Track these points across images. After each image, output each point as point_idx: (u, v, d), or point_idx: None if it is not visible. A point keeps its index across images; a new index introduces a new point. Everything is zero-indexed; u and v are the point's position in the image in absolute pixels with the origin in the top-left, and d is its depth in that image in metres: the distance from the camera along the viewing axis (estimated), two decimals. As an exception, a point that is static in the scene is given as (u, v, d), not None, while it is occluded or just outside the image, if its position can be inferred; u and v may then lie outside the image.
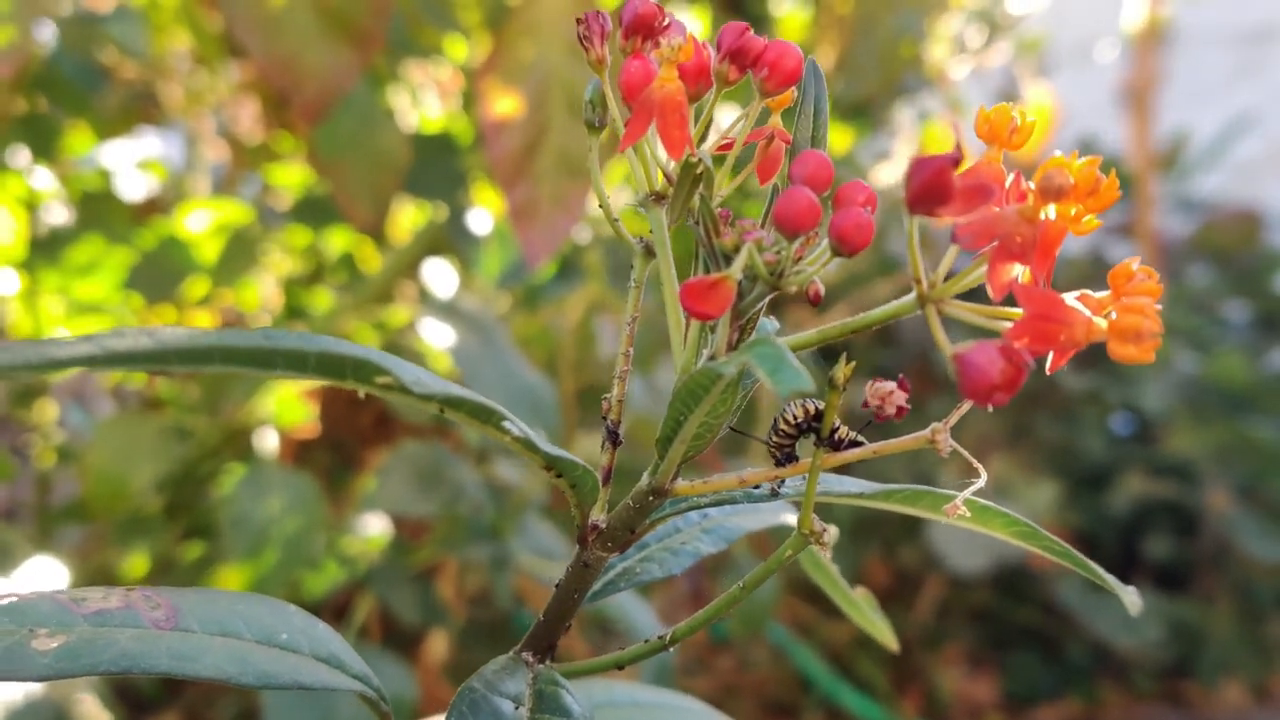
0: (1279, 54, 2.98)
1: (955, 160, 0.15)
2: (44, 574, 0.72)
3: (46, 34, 0.91)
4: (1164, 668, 1.83)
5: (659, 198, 0.19)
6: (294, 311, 1.07)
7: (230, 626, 0.22)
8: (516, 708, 0.20)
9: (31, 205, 0.95)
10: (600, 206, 0.22)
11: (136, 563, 0.92)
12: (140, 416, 0.89)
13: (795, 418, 0.20)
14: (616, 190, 1.36)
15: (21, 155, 0.90)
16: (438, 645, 1.04)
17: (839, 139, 1.23)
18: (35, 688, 0.69)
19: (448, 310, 0.82)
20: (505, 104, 0.79)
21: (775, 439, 0.20)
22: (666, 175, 0.19)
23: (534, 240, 0.80)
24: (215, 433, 0.93)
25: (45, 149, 0.89)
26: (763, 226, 0.18)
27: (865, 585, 1.37)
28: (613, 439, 0.22)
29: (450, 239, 0.86)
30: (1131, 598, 0.24)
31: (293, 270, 1.06)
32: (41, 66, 0.90)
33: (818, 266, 0.18)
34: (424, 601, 0.88)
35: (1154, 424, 1.84)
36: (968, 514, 0.21)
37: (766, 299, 0.19)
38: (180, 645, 0.21)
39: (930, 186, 0.15)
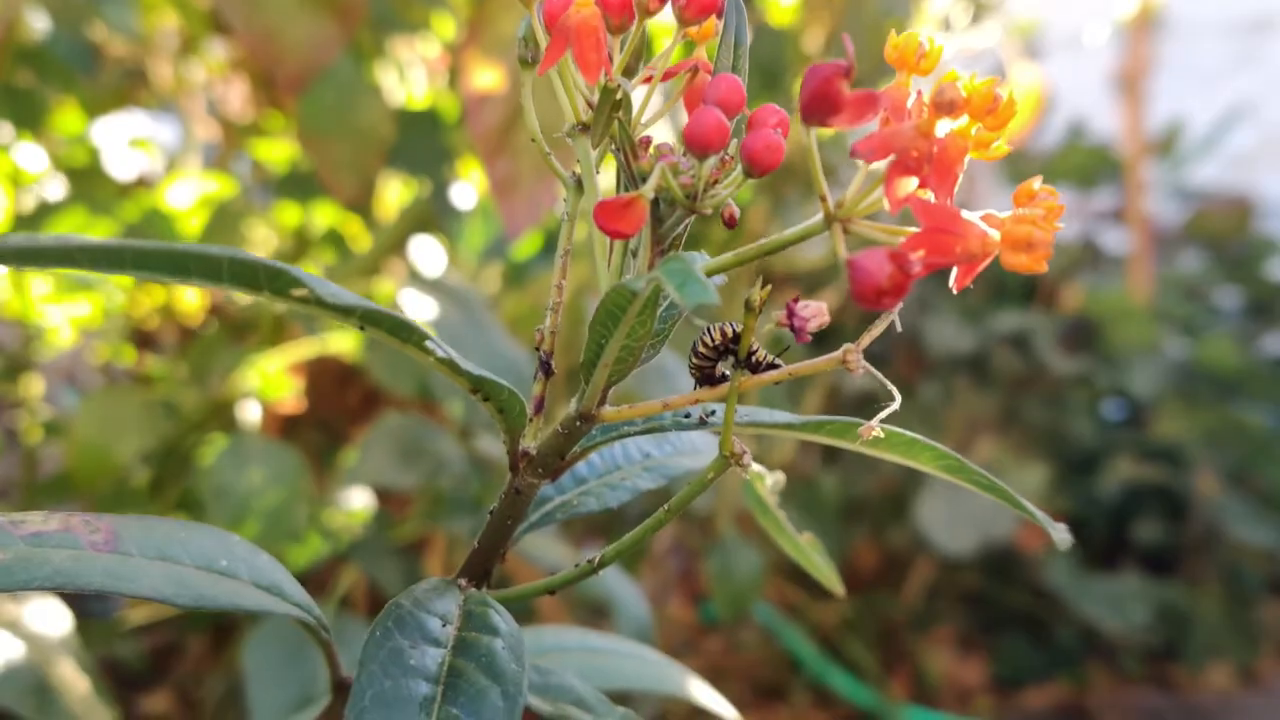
0: (1276, 44, 2.98)
1: (845, 70, 0.15)
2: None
3: (34, 10, 0.91)
4: (1151, 651, 1.84)
5: (584, 128, 0.20)
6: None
7: (169, 552, 0.23)
8: (444, 625, 0.20)
9: (17, 181, 0.95)
10: (533, 141, 0.23)
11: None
12: (125, 390, 0.89)
13: (713, 340, 0.20)
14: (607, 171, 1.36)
15: (5, 130, 0.90)
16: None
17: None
18: (15, 655, 0.70)
19: (432, 285, 0.83)
20: (486, 78, 0.79)
21: (695, 361, 0.20)
22: (589, 103, 0.19)
23: (515, 213, 0.80)
24: (200, 406, 0.94)
25: (30, 123, 0.89)
26: (684, 155, 0.19)
27: (854, 568, 1.38)
28: (545, 369, 0.22)
29: (435, 213, 0.87)
30: (1060, 534, 0.25)
31: (279, 247, 1.06)
32: (29, 42, 0.90)
33: (732, 189, 0.18)
34: (409, 575, 0.88)
35: (1144, 408, 1.85)
36: (881, 435, 0.21)
37: (686, 223, 0.19)
38: (117, 566, 0.21)
39: (820, 95, 0.15)
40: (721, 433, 0.20)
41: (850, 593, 1.85)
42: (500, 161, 0.80)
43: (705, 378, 0.20)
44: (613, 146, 0.19)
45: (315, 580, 1.11)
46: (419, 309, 0.79)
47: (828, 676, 1.66)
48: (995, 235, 0.16)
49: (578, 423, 0.21)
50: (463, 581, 0.22)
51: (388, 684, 0.19)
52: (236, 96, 1.42)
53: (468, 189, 0.92)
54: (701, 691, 0.34)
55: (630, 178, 0.19)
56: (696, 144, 0.17)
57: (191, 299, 1.41)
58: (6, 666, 0.69)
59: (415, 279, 0.83)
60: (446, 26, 1.06)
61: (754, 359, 0.20)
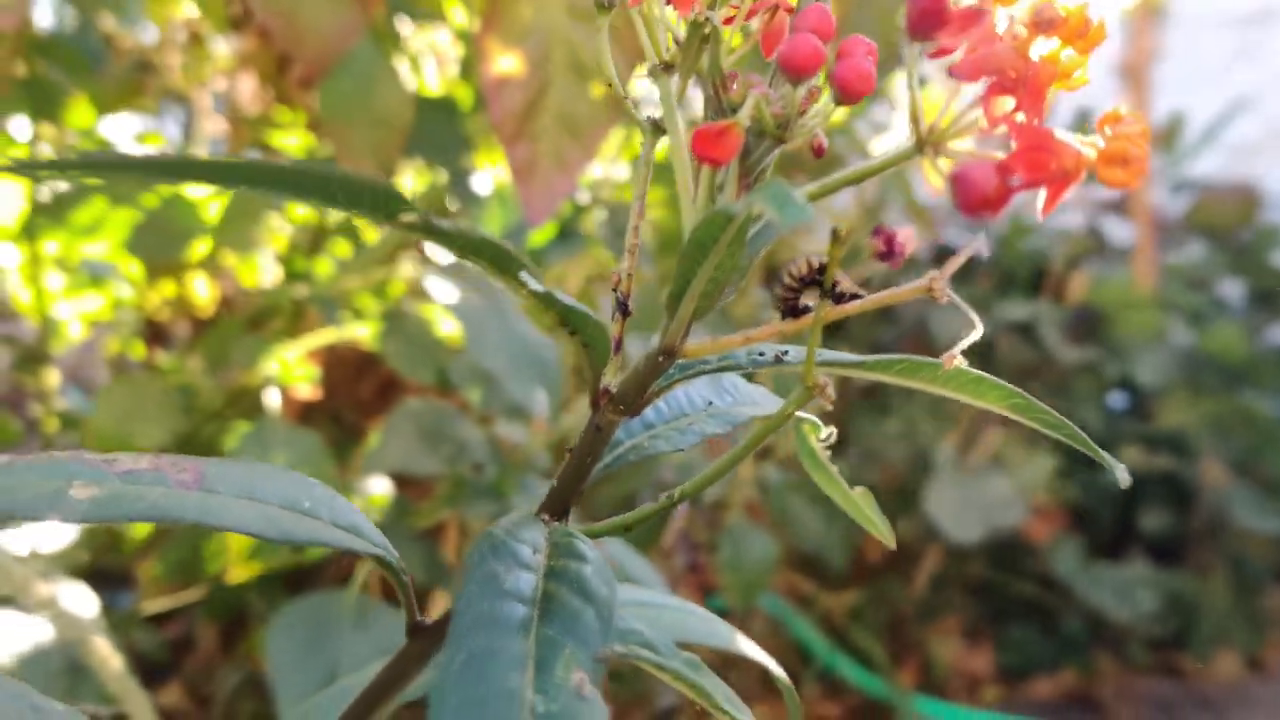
0: (1278, 35, 2.99)
1: (951, -15, 0.16)
2: (53, 533, 0.73)
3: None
4: (1159, 640, 1.84)
5: (667, 67, 0.20)
6: (294, 277, 1.07)
7: (254, 492, 0.23)
8: (534, 553, 0.21)
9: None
10: (609, 86, 0.23)
11: (138, 525, 0.93)
12: (143, 379, 0.89)
13: (799, 271, 0.20)
14: (613, 164, 1.37)
15: (22, 120, 0.90)
16: (438, 605, 1.06)
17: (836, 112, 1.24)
18: (45, 637, 0.70)
19: (451, 270, 0.83)
20: (506, 62, 0.79)
21: (779, 293, 0.21)
22: (676, 39, 0.20)
23: (535, 198, 0.81)
24: (219, 395, 0.94)
25: (48, 114, 0.89)
26: (770, 86, 0.19)
27: (862, 560, 1.38)
28: (622, 309, 0.23)
29: (455, 199, 0.87)
30: (1122, 473, 0.25)
31: (293, 237, 1.06)
32: (41, 33, 0.91)
33: (820, 119, 0.19)
34: (429, 560, 0.89)
35: (1149, 398, 1.85)
36: (965, 363, 0.22)
37: (772, 155, 0.20)
38: (207, 502, 0.22)
39: (928, 9, 0.16)
40: (805, 364, 0.21)
41: (858, 583, 1.86)
42: (520, 146, 0.81)
43: (789, 310, 0.21)
44: (696, 83, 0.20)
45: (335, 566, 1.12)
46: (443, 293, 0.79)
47: (837, 666, 1.66)
48: (1089, 152, 0.16)
49: (660, 358, 0.21)
50: (545, 516, 0.23)
51: (486, 606, 0.20)
52: (244, 92, 1.42)
53: (484, 177, 0.93)
54: (750, 647, 0.35)
55: (718, 109, 0.19)
56: (792, 68, 0.17)
57: (203, 293, 1.41)
58: (36, 649, 0.69)
59: (436, 265, 0.84)
60: (459, 13, 1.06)
61: (838, 290, 0.20)
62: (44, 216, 0.81)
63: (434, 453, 0.83)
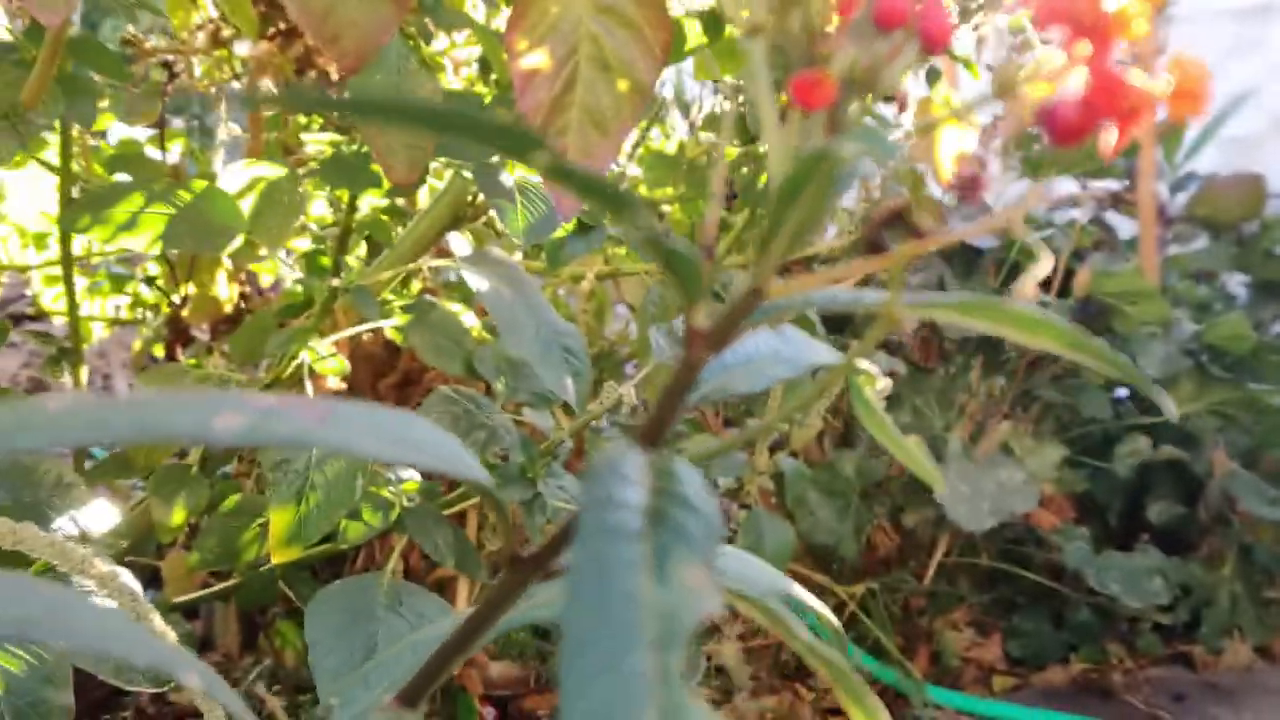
0: (1277, 30, 3.01)
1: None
2: (101, 514, 0.75)
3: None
4: (1170, 629, 1.86)
5: (755, 29, 0.22)
6: (321, 272, 1.09)
7: (371, 426, 0.25)
8: (640, 473, 0.23)
9: (68, 170, 0.97)
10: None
11: (176, 513, 0.95)
12: (177, 371, 0.91)
13: (884, 211, 0.22)
14: (629, 162, 1.39)
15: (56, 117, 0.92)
16: (462, 591, 1.08)
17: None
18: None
19: (480, 259, 0.85)
20: (533, 58, 0.81)
21: (866, 231, 0.23)
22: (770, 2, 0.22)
23: (564, 194, 0.83)
24: (253, 386, 0.96)
25: (83, 112, 0.91)
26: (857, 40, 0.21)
27: (873, 551, 1.40)
28: (709, 253, 0.25)
29: (483, 192, 0.89)
30: (1169, 405, 0.27)
31: (318, 236, 1.09)
32: (77, 30, 0.93)
33: (905, 69, 0.21)
34: (458, 543, 0.91)
35: (1159, 383, 1.88)
36: (1036, 296, 0.24)
37: (854, 103, 0.22)
38: (338, 432, 0.24)
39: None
40: (891, 290, 0.23)
41: (869, 575, 1.88)
42: (548, 139, 0.83)
43: (872, 246, 0.23)
44: (784, 40, 0.22)
45: (360, 557, 1.14)
46: (476, 281, 0.81)
47: (850, 656, 1.68)
48: (1158, 87, 0.19)
49: (750, 297, 0.23)
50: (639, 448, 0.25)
51: (604, 517, 0.22)
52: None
53: (506, 174, 0.95)
54: (804, 593, 0.37)
55: (809, 64, 0.21)
56: (883, 23, 0.19)
57: (225, 293, 1.44)
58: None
59: (465, 255, 0.86)
60: (478, 12, 1.09)
61: (919, 227, 0.22)
62: (84, 211, 0.83)
63: (466, 439, 0.85)
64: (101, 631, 0.27)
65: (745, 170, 1.28)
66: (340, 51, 0.75)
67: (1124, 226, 2.18)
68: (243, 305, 1.45)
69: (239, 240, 0.86)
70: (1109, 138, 0.19)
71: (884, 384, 0.32)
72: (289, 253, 1.58)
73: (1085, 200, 1.83)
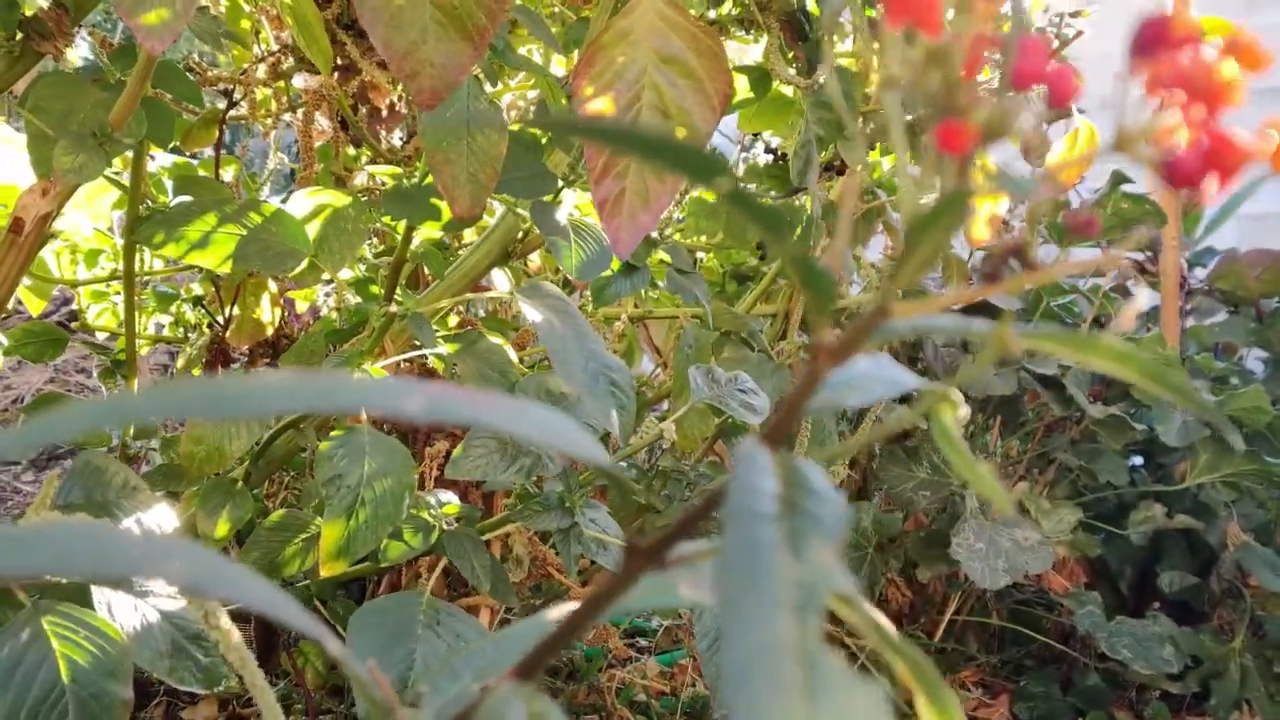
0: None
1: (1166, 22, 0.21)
2: (160, 516, 0.77)
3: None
4: (1180, 700, 1.86)
5: (892, 82, 0.26)
6: (372, 300, 1.13)
7: (520, 413, 0.28)
8: (771, 467, 0.26)
9: (139, 189, 1.01)
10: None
11: (220, 526, 0.98)
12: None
13: (1003, 245, 0.25)
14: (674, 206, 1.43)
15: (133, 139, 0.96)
16: (484, 618, 1.10)
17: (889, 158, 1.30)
18: (152, 617, 0.75)
19: (534, 291, 0.89)
20: (597, 103, 0.85)
21: (985, 264, 0.26)
22: (909, 61, 0.25)
23: (620, 232, 0.86)
24: (302, 405, 0.99)
25: (160, 137, 0.95)
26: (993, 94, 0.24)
27: (884, 605, 1.42)
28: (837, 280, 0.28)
29: (540, 228, 0.93)
30: (1237, 439, 0.30)
31: (374, 261, 1.12)
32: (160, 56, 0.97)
33: (1035, 120, 0.24)
34: (490, 564, 0.93)
35: (1172, 458, 1.89)
36: (1129, 329, 0.26)
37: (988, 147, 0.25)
38: (497, 416, 0.27)
39: (1156, 35, 0.21)
40: (1001, 320, 0.26)
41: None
42: (607, 183, 0.87)
43: (988, 276, 0.26)
44: (920, 97, 0.25)
45: (398, 575, 1.16)
46: (531, 313, 0.84)
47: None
48: (1262, 146, 0.22)
49: (876, 315, 0.26)
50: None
51: (749, 502, 0.24)
52: (317, 126, 1.49)
53: (562, 212, 0.98)
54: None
55: (947, 113, 0.24)
56: (1021, 80, 0.23)
57: (267, 316, 1.47)
58: (145, 629, 0.73)
59: (521, 287, 0.89)
60: (537, 55, 1.13)
61: (1033, 262, 0.25)
62: (159, 228, 0.87)
63: (512, 464, 0.88)
64: (271, 601, 0.30)
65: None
66: (418, 88, 0.79)
67: (1145, 298, 2.21)
68: (282, 330, 1.49)
69: (304, 263, 0.89)
70: (1213, 186, 0.22)
71: (964, 412, 0.35)
72: (329, 281, 1.62)
73: (1109, 267, 1.86)
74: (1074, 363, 0.29)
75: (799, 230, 1.37)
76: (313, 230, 0.94)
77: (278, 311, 1.48)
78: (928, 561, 1.76)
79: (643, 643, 1.88)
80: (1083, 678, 1.89)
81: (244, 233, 0.88)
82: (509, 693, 0.30)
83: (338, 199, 0.95)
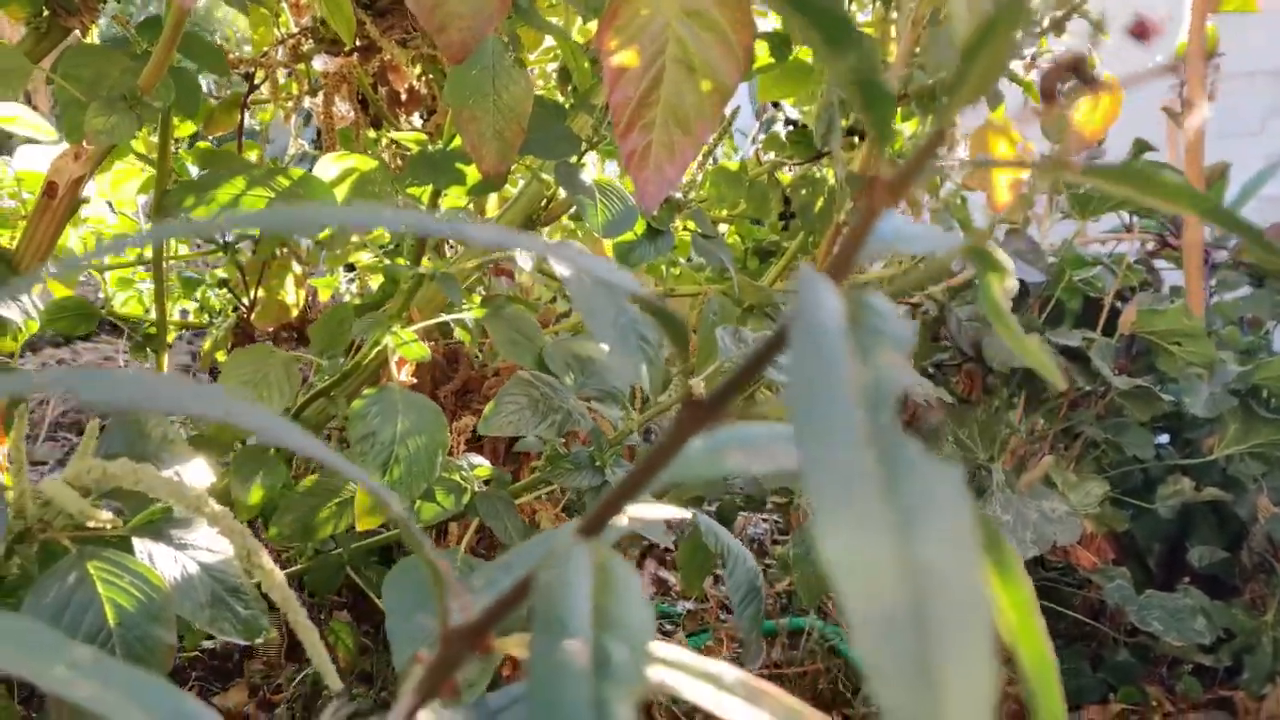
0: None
1: None
2: (197, 468, 0.78)
3: None
4: (1212, 673, 1.85)
5: None
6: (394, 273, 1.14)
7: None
8: (835, 296, 0.26)
9: (166, 160, 1.02)
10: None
11: (254, 492, 0.98)
12: (265, 350, 0.95)
13: (1061, 62, 0.25)
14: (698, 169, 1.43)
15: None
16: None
17: (911, 125, 1.30)
18: (191, 568, 0.75)
19: (562, 248, 0.89)
20: (623, 56, 0.86)
21: (1043, 81, 0.26)
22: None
23: (648, 185, 0.86)
24: (336, 370, 1.00)
25: (187, 107, 0.96)
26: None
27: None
28: (899, 98, 0.28)
29: (565, 189, 0.93)
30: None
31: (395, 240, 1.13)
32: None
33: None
34: (522, 527, 0.93)
35: (1200, 430, 1.88)
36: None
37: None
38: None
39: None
40: (1060, 147, 0.26)
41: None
42: (634, 135, 0.87)
43: (1046, 94, 0.26)
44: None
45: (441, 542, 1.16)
46: (560, 268, 0.85)
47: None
48: None
49: (934, 139, 0.26)
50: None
51: (817, 318, 0.25)
52: (337, 110, 1.50)
53: (586, 173, 0.99)
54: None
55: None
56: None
57: (292, 298, 1.48)
58: (186, 580, 0.74)
59: (550, 244, 0.90)
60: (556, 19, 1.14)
61: (1092, 79, 0.25)
62: (189, 192, 0.88)
63: (543, 420, 0.88)
64: (288, 431, 0.30)
65: (805, 192, 1.32)
66: (446, 41, 0.79)
67: (1167, 277, 2.20)
68: (306, 313, 1.50)
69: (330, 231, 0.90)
70: None
71: (1012, 283, 0.35)
72: (351, 268, 1.63)
73: (1132, 238, 1.85)
74: (1135, 198, 0.29)
75: (820, 199, 1.37)
76: (340, 195, 0.94)
77: (302, 293, 1.48)
78: (955, 537, 1.75)
79: (669, 626, 1.88)
80: (1112, 654, 1.87)
81: (272, 195, 0.88)
82: (572, 544, 0.30)
83: (364, 163, 0.96)
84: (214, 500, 0.65)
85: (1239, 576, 1.91)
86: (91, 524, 0.69)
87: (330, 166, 0.96)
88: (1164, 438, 2.03)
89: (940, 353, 1.79)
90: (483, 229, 0.25)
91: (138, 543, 0.72)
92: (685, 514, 0.52)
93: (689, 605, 1.95)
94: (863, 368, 0.23)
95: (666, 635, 1.84)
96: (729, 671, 0.35)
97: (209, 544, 0.76)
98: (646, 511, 0.47)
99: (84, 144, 0.86)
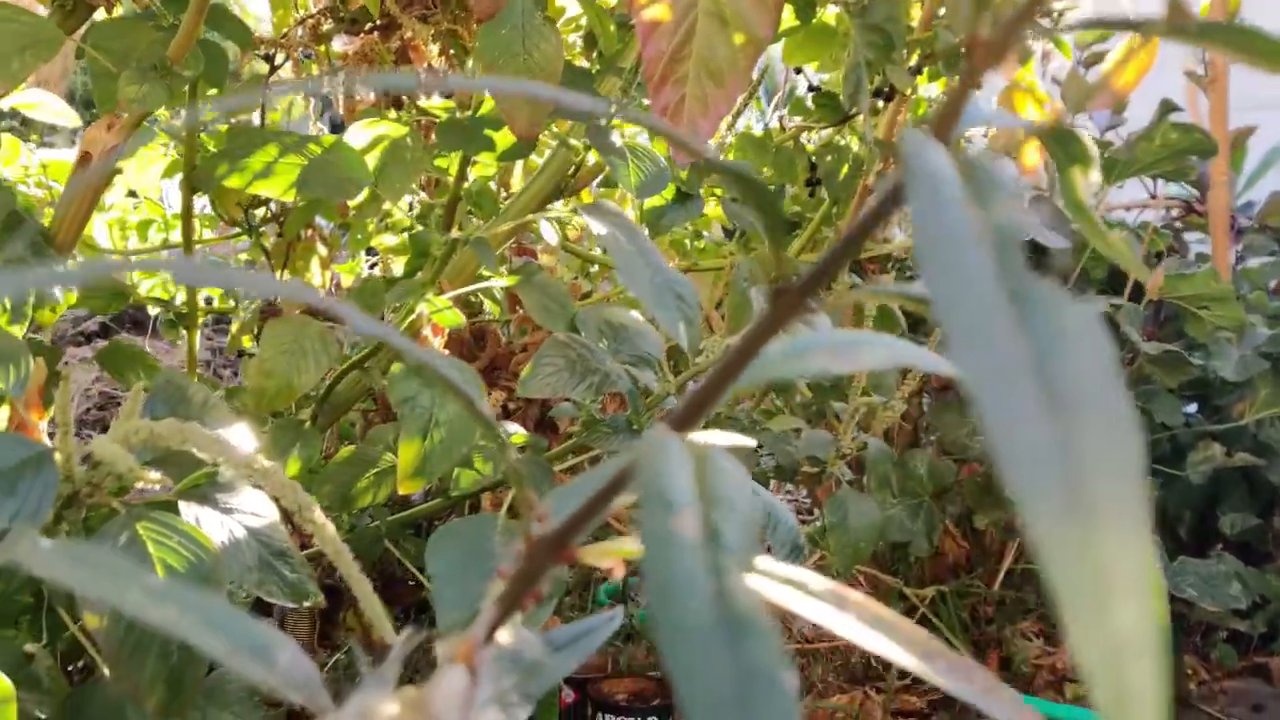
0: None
1: None
2: (240, 432, 0.78)
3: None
4: (1247, 641, 1.84)
5: None
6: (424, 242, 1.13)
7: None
8: (949, 163, 0.25)
9: (194, 137, 1.02)
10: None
11: (291, 465, 0.98)
12: (302, 321, 0.95)
13: None
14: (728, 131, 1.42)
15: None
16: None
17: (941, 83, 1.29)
18: (239, 533, 0.75)
19: (598, 208, 0.88)
20: (655, 10, 0.85)
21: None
22: None
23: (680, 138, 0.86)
24: (368, 343, 0.99)
25: (214, 77, 0.96)
26: None
27: (941, 557, 1.40)
28: None
29: (597, 150, 0.93)
30: None
31: (432, 196, 1.13)
32: None
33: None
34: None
35: (1229, 394, 1.87)
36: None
37: None
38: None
39: None
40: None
41: (937, 581, 1.87)
42: (667, 89, 0.86)
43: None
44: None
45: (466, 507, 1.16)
46: (597, 227, 0.84)
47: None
48: None
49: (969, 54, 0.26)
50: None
51: (929, 168, 0.24)
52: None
53: (617, 134, 0.98)
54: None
55: None
56: None
57: (318, 280, 1.48)
58: (233, 544, 0.74)
59: (585, 205, 0.89)
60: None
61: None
62: (222, 160, 0.87)
63: (581, 382, 0.88)
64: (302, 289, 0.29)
65: (830, 159, 1.31)
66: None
67: (1193, 244, 2.19)
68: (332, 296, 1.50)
69: (364, 193, 0.90)
70: None
71: (1095, 176, 0.34)
72: (373, 252, 1.63)
73: (1159, 205, 1.84)
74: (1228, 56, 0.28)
75: (845, 167, 1.36)
76: (371, 162, 0.94)
77: (327, 275, 1.48)
78: (984, 508, 1.74)
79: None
80: (1148, 622, 1.86)
81: (305, 162, 0.88)
82: (664, 434, 0.29)
83: (395, 130, 0.96)
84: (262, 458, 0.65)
85: (1271, 543, 1.89)
86: (140, 485, 0.68)
87: (361, 133, 0.96)
88: (1191, 407, 2.02)
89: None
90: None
91: (184, 507, 0.72)
92: (750, 442, 0.51)
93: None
94: (984, 213, 0.23)
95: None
96: (815, 579, 0.34)
97: (255, 508, 0.76)
98: (710, 437, 0.46)
99: (116, 113, 0.86)
